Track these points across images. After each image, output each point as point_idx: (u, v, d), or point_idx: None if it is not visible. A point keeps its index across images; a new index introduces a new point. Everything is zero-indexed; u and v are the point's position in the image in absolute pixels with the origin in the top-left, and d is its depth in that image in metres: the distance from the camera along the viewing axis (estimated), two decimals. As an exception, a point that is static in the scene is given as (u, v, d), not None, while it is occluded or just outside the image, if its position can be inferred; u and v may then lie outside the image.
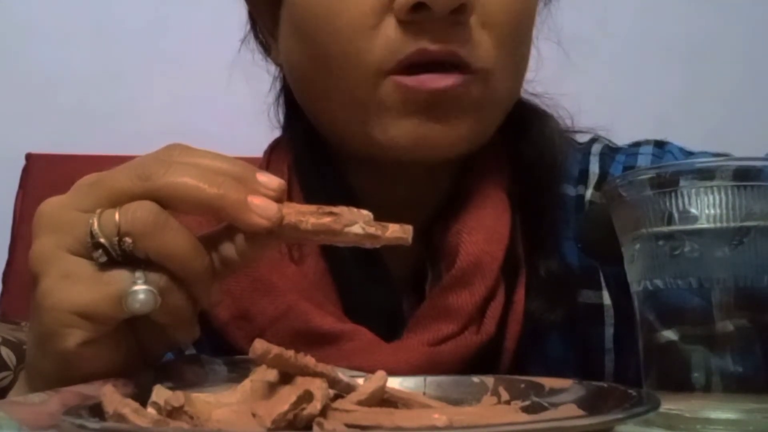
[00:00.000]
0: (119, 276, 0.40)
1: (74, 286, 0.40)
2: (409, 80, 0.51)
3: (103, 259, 0.40)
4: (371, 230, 0.42)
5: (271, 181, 0.41)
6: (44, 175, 1.30)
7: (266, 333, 0.54)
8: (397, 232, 0.43)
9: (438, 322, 0.55)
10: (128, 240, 0.39)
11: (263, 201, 0.40)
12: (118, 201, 0.40)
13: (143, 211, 0.39)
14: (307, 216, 0.41)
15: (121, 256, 0.40)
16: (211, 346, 0.56)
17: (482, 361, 0.55)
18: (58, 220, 0.41)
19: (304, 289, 0.56)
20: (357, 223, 0.42)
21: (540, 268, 0.58)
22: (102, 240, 0.39)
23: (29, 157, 1.31)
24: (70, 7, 1.46)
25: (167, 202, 0.40)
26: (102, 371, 0.42)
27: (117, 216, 0.39)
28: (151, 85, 1.45)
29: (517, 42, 0.55)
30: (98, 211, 0.40)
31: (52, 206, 0.42)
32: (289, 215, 0.41)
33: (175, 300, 0.41)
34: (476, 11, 0.52)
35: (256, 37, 0.65)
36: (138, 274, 0.39)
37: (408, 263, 0.60)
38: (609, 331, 0.60)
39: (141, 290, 0.39)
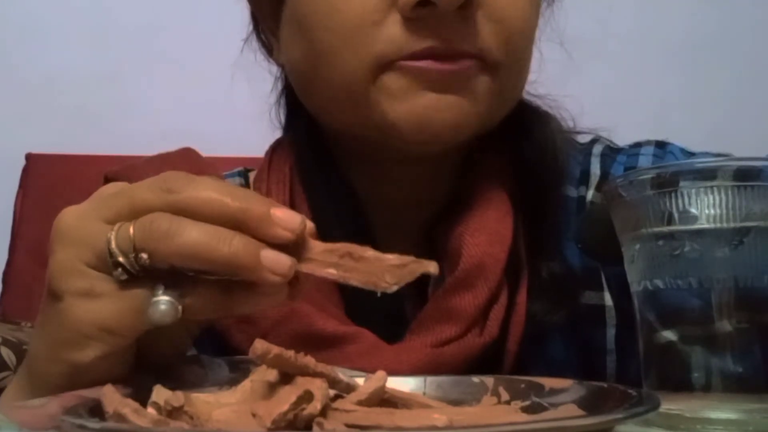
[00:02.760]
0: (140, 290, 0.39)
1: (96, 302, 0.40)
2: (417, 63, 0.51)
3: (124, 277, 0.39)
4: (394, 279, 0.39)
5: (289, 220, 0.39)
6: (44, 175, 1.30)
7: (269, 336, 0.54)
8: (422, 266, 0.40)
9: (441, 324, 0.55)
10: (144, 256, 0.38)
11: (286, 212, 0.39)
12: (138, 213, 0.39)
13: (156, 223, 0.38)
14: (326, 267, 0.40)
15: (141, 270, 0.39)
16: (213, 348, 0.56)
17: (484, 362, 0.55)
18: (78, 232, 0.41)
19: (307, 292, 0.56)
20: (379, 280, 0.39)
21: (542, 270, 0.58)
22: (120, 259, 0.39)
23: (29, 157, 1.31)
24: (70, 7, 1.47)
25: (188, 216, 0.39)
26: (107, 381, 0.42)
27: (131, 231, 0.39)
28: (152, 85, 1.45)
29: (523, 37, 0.55)
30: (116, 226, 0.39)
31: (71, 217, 0.41)
32: (307, 262, 0.40)
33: (211, 296, 0.40)
34: (482, 6, 0.51)
35: (259, 37, 0.65)
36: (158, 286, 0.39)
37: None
38: (610, 332, 0.60)
39: (162, 301, 0.39)
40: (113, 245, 0.39)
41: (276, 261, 0.38)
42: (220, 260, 0.38)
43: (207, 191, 0.39)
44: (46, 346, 0.43)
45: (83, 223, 0.41)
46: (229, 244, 0.38)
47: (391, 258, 0.39)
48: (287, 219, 0.39)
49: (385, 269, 0.39)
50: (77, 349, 0.40)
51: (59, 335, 0.41)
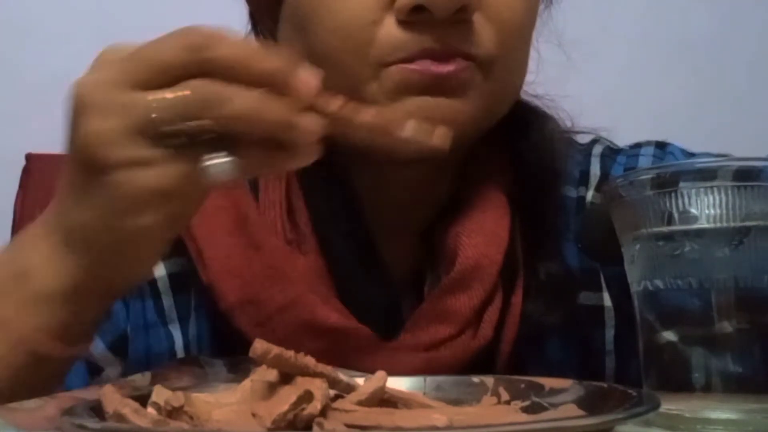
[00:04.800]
0: (191, 153, 0.40)
1: (149, 170, 0.40)
2: (413, 65, 0.51)
3: (174, 142, 0.39)
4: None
5: (309, 80, 0.40)
6: (44, 175, 1.30)
7: (272, 320, 0.54)
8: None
9: (435, 324, 0.55)
10: (193, 123, 0.39)
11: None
12: (166, 76, 0.39)
13: (204, 91, 0.39)
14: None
15: (187, 137, 0.40)
16: (215, 330, 0.56)
17: (478, 363, 0.55)
18: (110, 102, 0.40)
19: (312, 282, 0.56)
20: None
21: (540, 272, 0.58)
22: (168, 128, 0.39)
23: (29, 157, 1.31)
24: (70, 7, 1.46)
25: (221, 76, 0.39)
26: (160, 248, 0.44)
27: (175, 99, 0.39)
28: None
29: (520, 37, 0.55)
30: (154, 95, 0.39)
31: (93, 87, 0.40)
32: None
33: (257, 155, 0.41)
34: (479, 9, 0.51)
35: (257, 36, 0.65)
36: (210, 148, 0.39)
37: (408, 264, 0.60)
38: (610, 332, 0.60)
39: (222, 161, 0.39)
40: (158, 114, 0.39)
41: (311, 121, 0.40)
42: (268, 124, 0.39)
43: (235, 49, 0.39)
44: (92, 217, 0.42)
45: (111, 93, 0.40)
46: (276, 109, 0.39)
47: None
48: (307, 79, 0.40)
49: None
50: (135, 216, 0.40)
51: (111, 206, 0.41)
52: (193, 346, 0.59)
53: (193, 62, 0.39)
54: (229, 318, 0.55)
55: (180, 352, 0.59)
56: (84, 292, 0.44)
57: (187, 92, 0.39)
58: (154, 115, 0.39)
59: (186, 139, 0.39)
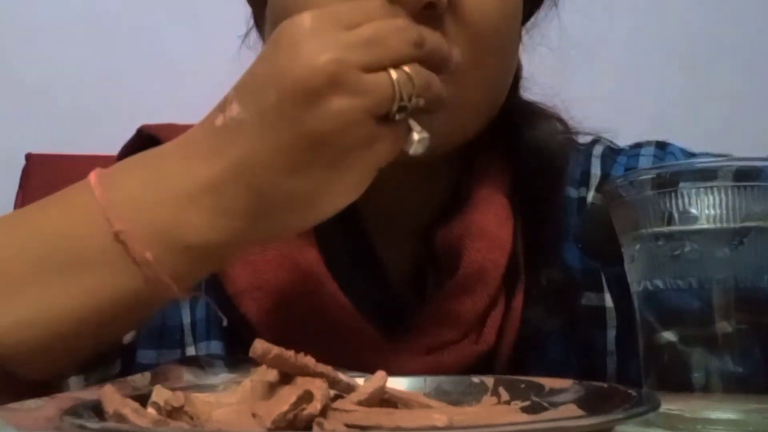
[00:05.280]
0: (402, 127, 0.44)
1: (374, 148, 0.43)
2: None
3: (400, 116, 0.43)
4: None
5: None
6: (44, 175, 1.30)
7: (281, 308, 0.54)
8: None
9: (438, 327, 0.55)
10: (421, 101, 0.43)
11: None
12: (399, 63, 0.43)
13: (424, 74, 0.44)
14: None
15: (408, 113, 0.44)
16: (218, 318, 0.56)
17: (478, 367, 0.55)
18: (356, 81, 0.41)
19: (322, 275, 0.56)
20: None
21: (540, 276, 0.58)
22: (405, 104, 0.42)
23: (29, 157, 1.31)
24: (69, 6, 1.46)
25: (432, 67, 0.44)
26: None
27: (412, 79, 0.43)
28: (152, 84, 1.45)
29: (493, 44, 0.53)
30: (396, 75, 0.42)
31: (338, 64, 0.41)
32: None
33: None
34: (452, 10, 0.49)
35: (260, 33, 0.65)
36: (414, 123, 0.44)
37: (408, 264, 0.60)
38: (611, 333, 0.59)
39: (426, 137, 0.44)
40: (399, 90, 0.42)
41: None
42: (442, 102, 0.46)
43: (440, 40, 0.46)
44: (302, 184, 0.43)
45: (352, 71, 0.41)
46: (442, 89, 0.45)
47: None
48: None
49: None
50: (357, 183, 0.45)
51: (338, 180, 0.44)
52: (199, 328, 0.59)
53: (417, 56, 0.44)
54: (236, 303, 0.55)
55: (187, 330, 0.59)
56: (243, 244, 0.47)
57: (420, 74, 0.43)
58: (398, 92, 0.42)
59: (404, 116, 0.44)
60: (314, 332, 0.54)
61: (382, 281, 0.59)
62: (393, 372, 0.37)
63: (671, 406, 0.37)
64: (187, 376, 0.46)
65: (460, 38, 0.50)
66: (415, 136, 0.44)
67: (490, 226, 0.57)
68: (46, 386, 0.46)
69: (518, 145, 0.61)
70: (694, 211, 0.38)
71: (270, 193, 0.43)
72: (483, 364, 0.55)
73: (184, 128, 0.47)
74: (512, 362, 0.56)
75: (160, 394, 0.32)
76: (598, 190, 0.62)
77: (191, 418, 0.32)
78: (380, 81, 0.42)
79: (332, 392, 0.34)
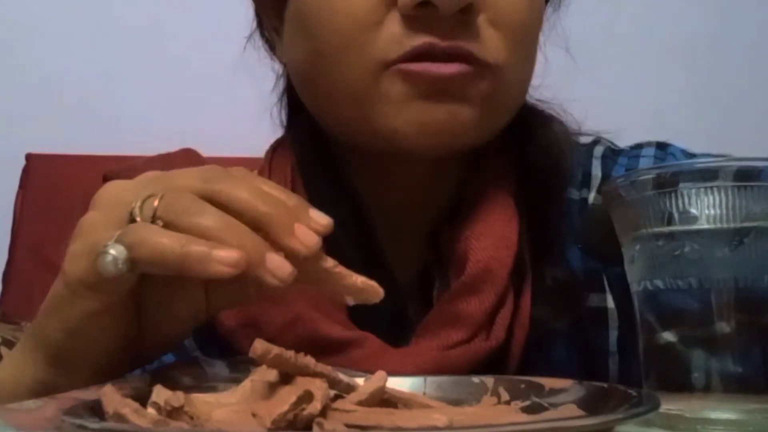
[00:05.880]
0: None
1: (85, 259, 0.41)
2: (414, 66, 0.51)
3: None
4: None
5: (320, 217, 0.43)
6: (44, 175, 1.30)
7: (275, 341, 0.54)
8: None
9: (447, 328, 0.54)
10: (159, 223, 0.40)
11: (307, 230, 0.41)
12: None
13: (180, 199, 0.40)
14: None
15: None
16: (219, 353, 0.56)
17: (489, 367, 0.54)
18: (112, 199, 0.43)
19: (312, 298, 0.56)
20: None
21: (546, 276, 0.58)
22: (138, 219, 0.41)
23: (29, 157, 1.31)
24: (70, 7, 1.47)
25: (221, 206, 0.41)
26: (104, 346, 0.44)
27: (156, 201, 0.41)
28: (152, 84, 1.45)
29: (526, 41, 0.55)
30: (146, 194, 0.41)
31: (113, 187, 0.44)
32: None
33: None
34: (484, 10, 0.51)
35: (262, 34, 0.65)
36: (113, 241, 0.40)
37: (414, 267, 0.60)
38: (613, 334, 0.59)
39: (109, 253, 0.39)
40: (137, 207, 0.41)
41: (279, 266, 0.39)
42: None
43: (241, 190, 0.41)
44: (45, 307, 0.44)
45: (120, 194, 0.43)
46: (239, 238, 0.39)
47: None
48: (305, 236, 0.41)
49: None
50: (67, 306, 0.42)
51: (56, 294, 0.43)
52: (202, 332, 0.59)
53: (199, 189, 0.41)
54: (230, 342, 0.55)
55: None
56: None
57: (171, 196, 0.41)
58: (134, 208, 0.41)
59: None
60: (318, 353, 0.54)
61: (390, 285, 0.59)
62: (403, 371, 0.37)
63: (671, 406, 0.37)
64: (187, 376, 0.46)
65: (493, 38, 0.52)
66: (102, 249, 0.40)
67: (496, 226, 0.57)
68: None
69: (524, 146, 0.61)
70: (694, 211, 0.38)
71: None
72: (494, 364, 0.55)
73: (145, 165, 0.49)
74: (521, 363, 0.56)
75: (160, 394, 0.32)
76: (599, 191, 0.62)
77: (191, 418, 0.32)
78: (126, 200, 0.42)
79: (332, 392, 0.34)
